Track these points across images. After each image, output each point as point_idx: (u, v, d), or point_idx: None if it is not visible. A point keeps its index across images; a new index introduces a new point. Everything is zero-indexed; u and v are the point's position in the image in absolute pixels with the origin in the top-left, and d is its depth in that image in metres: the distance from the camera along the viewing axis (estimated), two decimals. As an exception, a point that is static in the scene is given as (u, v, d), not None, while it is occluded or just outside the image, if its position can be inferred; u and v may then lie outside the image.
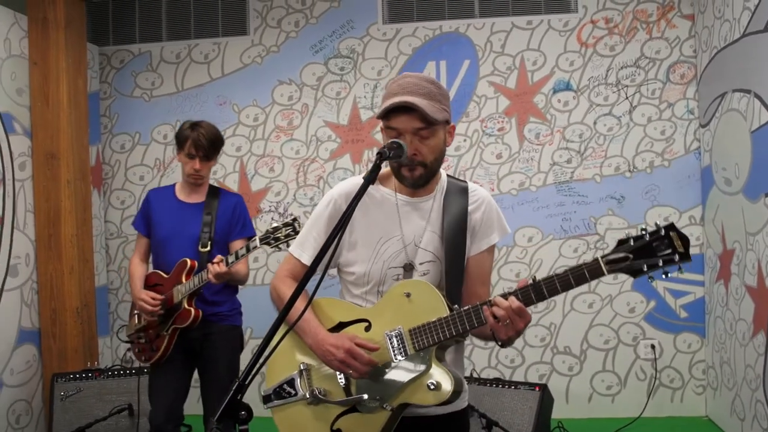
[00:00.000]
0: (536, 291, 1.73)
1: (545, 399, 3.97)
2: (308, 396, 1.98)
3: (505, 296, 1.76)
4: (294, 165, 5.00)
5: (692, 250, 4.48)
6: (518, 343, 4.74)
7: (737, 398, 4.09)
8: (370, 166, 1.81)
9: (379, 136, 4.89)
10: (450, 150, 4.75)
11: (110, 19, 5.15)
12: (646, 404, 4.60)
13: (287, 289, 2.06)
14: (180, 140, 3.30)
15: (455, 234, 1.99)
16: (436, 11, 4.86)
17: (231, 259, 3.07)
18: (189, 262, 3.23)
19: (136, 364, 4.94)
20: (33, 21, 4.41)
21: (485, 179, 4.76)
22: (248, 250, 3.04)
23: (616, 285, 4.68)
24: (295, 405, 2.02)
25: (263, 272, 5.02)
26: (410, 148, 1.88)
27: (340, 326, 2.00)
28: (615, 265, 1.66)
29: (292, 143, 5.01)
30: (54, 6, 4.40)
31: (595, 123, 4.71)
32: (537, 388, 3.95)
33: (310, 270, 1.72)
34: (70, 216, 4.42)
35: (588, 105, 4.72)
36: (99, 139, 5.07)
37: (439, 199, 2.04)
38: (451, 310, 1.84)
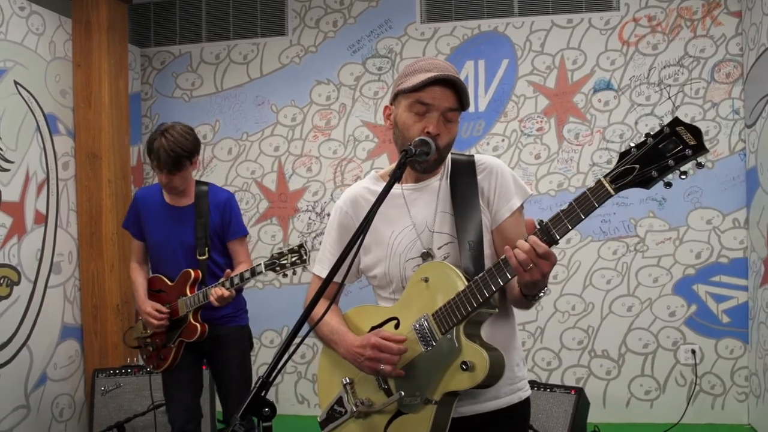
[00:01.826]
0: (546, 234, 1.61)
1: (581, 403, 3.92)
2: (354, 409, 1.92)
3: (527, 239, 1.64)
4: (331, 165, 5.02)
5: (735, 254, 4.46)
6: (555, 345, 4.69)
7: (781, 407, 3.98)
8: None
9: (415, 136, 4.86)
10: (488, 150, 4.72)
11: (151, 20, 5.24)
12: (686, 410, 4.50)
13: (318, 308, 2.01)
14: (148, 149, 3.12)
15: (467, 208, 1.90)
16: (474, 10, 4.82)
17: (236, 280, 2.99)
18: (193, 273, 3.17)
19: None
20: (77, 23, 4.51)
21: (523, 180, 4.69)
22: (253, 274, 2.96)
23: (656, 288, 4.59)
24: (347, 424, 1.97)
25: (300, 271, 5.02)
26: (434, 127, 1.81)
27: (371, 331, 1.94)
28: (621, 181, 1.50)
29: (330, 143, 5.02)
30: (97, 9, 4.49)
31: (636, 123, 4.62)
32: (573, 392, 3.89)
33: (327, 280, 1.66)
34: (111, 214, 4.50)
35: (629, 105, 4.63)
36: (140, 139, 5.16)
37: (446, 178, 1.96)
38: (468, 281, 1.75)
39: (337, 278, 2.05)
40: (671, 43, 4.57)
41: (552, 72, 4.73)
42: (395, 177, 1.73)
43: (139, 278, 3.36)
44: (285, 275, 2.87)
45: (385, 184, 1.99)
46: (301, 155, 5.05)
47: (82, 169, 4.50)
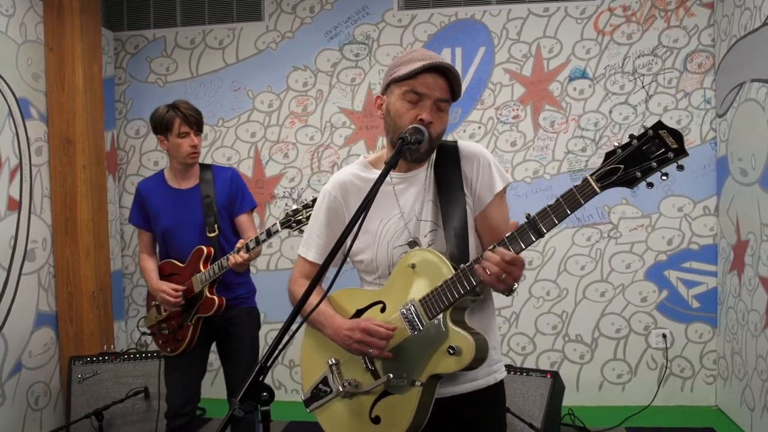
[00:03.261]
0: (533, 228, 1.67)
1: (557, 386, 4.00)
2: (341, 389, 1.98)
3: (493, 248, 1.70)
4: (308, 151, 5.01)
5: (705, 241, 4.56)
6: (530, 330, 4.77)
7: (748, 388, 4.10)
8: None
9: (393, 123, 4.88)
10: (464, 137, 4.75)
11: (125, 4, 5.15)
12: (657, 393, 4.62)
13: (300, 289, 2.07)
14: (164, 124, 3.21)
15: (451, 195, 1.94)
16: (451, -3, 4.84)
17: (252, 244, 3.04)
18: (205, 249, 3.21)
19: (152, 347, 5.02)
20: (48, 6, 4.42)
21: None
22: (269, 235, 3.01)
23: (629, 274, 4.68)
24: (333, 403, 2.03)
25: (277, 257, 5.06)
26: (427, 115, 1.85)
27: (357, 314, 2.00)
28: (606, 180, 1.57)
29: (307, 129, 5.01)
30: (69, -9, 4.41)
31: (610, 112, 4.69)
32: (549, 375, 3.97)
33: (324, 266, 1.70)
34: (86, 201, 4.45)
35: (604, 93, 4.69)
36: (114, 125, 5.09)
37: (431, 167, 2.00)
38: (456, 269, 1.80)
39: (322, 261, 2.09)
40: (645, 33, 4.64)
41: (528, 60, 4.77)
42: (391, 164, 1.77)
43: (150, 265, 3.39)
44: (301, 231, 2.84)
45: (373, 171, 2.05)
46: (278, 141, 5.04)
47: (55, 154, 4.43)
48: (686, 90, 4.60)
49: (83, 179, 4.43)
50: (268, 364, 1.55)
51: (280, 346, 1.57)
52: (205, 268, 3.19)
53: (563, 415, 4.22)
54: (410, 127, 1.83)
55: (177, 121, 3.18)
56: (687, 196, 4.61)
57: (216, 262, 3.14)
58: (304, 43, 4.98)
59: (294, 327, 1.61)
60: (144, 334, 3.65)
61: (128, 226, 5.17)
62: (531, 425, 3.73)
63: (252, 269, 4.98)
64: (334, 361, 2.02)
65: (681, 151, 1.52)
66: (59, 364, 4.47)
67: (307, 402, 2.08)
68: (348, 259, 2.11)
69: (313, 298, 2.00)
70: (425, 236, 1.97)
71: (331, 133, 4.98)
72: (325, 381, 2.04)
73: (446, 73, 1.87)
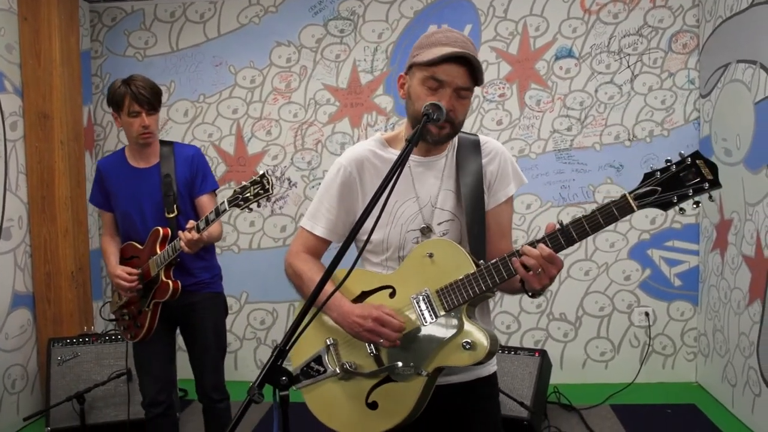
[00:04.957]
0: (565, 236, 1.67)
1: (545, 364, 4.02)
2: (338, 371, 1.92)
3: (533, 244, 1.70)
4: (292, 128, 4.93)
5: (688, 220, 4.60)
6: (514, 309, 4.79)
7: (729, 365, 4.18)
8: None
9: (379, 100, 4.83)
10: (451, 116, 4.71)
11: (102, -27, 4.98)
12: (639, 370, 4.68)
13: (302, 264, 2.02)
14: (117, 100, 3.01)
15: (472, 190, 1.94)
16: (438, -27, 4.78)
17: (201, 224, 2.87)
18: (161, 230, 3.06)
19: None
20: (22, -27, 4.25)
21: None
22: (218, 214, 2.82)
23: (612, 253, 4.72)
24: (325, 383, 1.97)
25: (259, 236, 4.98)
26: (447, 103, 1.81)
27: (363, 296, 1.94)
28: (644, 200, 1.60)
29: (290, 106, 4.92)
30: (44, -42, 4.24)
31: (596, 91, 4.69)
32: (537, 354, 3.99)
33: (346, 243, 1.64)
34: (65, 177, 4.32)
35: (590, 73, 4.69)
36: (90, 100, 4.94)
37: (452, 157, 1.98)
38: (477, 265, 1.78)
39: (329, 237, 2.05)
40: (631, 12, 4.65)
41: (515, 38, 4.75)
42: (414, 141, 1.72)
43: (110, 247, 3.24)
44: (250, 209, 2.69)
45: (390, 150, 2.02)
46: (261, 118, 4.94)
47: (31, 129, 4.27)
48: (671, 70, 4.63)
49: (61, 155, 4.29)
50: (288, 348, 1.49)
51: (298, 330, 1.51)
52: (161, 250, 3.03)
53: (549, 393, 4.25)
54: (429, 104, 1.79)
55: (127, 98, 2.98)
56: (670, 175, 4.64)
57: (170, 244, 2.98)
58: (287, 18, 4.88)
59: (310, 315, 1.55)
60: (108, 320, 3.52)
61: (105, 205, 5.04)
62: (522, 404, 3.74)
63: (234, 248, 4.95)
64: (332, 341, 1.97)
65: (715, 183, 1.55)
66: (37, 346, 4.35)
67: (294, 379, 2.03)
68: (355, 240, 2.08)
69: (317, 277, 1.96)
70: (439, 224, 1.95)
71: (315, 111, 4.90)
72: (318, 360, 1.98)
73: (468, 61, 1.83)
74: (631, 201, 1.60)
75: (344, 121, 4.88)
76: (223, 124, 4.96)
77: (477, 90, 4.67)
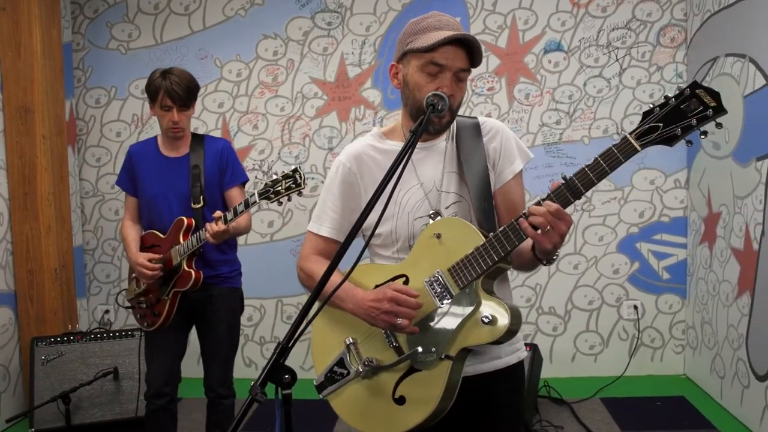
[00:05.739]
0: (571, 189, 1.63)
1: (536, 358, 4.02)
2: (360, 369, 1.87)
3: (539, 204, 1.65)
4: (279, 122, 4.86)
5: (676, 213, 4.62)
6: (504, 304, 4.77)
7: (718, 357, 4.20)
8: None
9: (367, 94, 4.78)
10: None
11: (83, -36, 4.88)
12: (628, 363, 4.70)
13: (314, 265, 1.99)
14: (151, 92, 3.07)
15: (476, 168, 1.90)
16: (426, -34, 4.73)
17: (229, 216, 2.89)
18: (186, 220, 3.07)
19: (116, 326, 4.85)
20: (1, -36, 4.14)
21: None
22: (247, 206, 2.85)
23: (601, 246, 4.73)
24: (349, 386, 1.91)
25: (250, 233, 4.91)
26: (449, 88, 1.79)
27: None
28: (646, 138, 1.55)
29: (277, 100, 4.86)
30: (23, -53, 4.13)
31: (585, 84, 4.69)
32: (528, 348, 3.98)
33: (346, 242, 1.60)
34: (47, 173, 4.22)
35: (578, 66, 4.69)
36: (72, 94, 4.83)
37: (452, 139, 1.95)
38: (485, 237, 1.73)
39: (336, 237, 2.01)
40: (620, 6, 4.64)
41: (504, 32, 4.73)
42: (418, 132, 1.69)
43: (131, 234, 3.24)
44: (280, 203, 2.74)
45: (388, 142, 1.99)
46: (247, 112, 4.87)
47: (12, 123, 4.17)
48: (659, 64, 4.64)
49: (43, 150, 4.20)
50: (290, 345, 1.45)
51: (301, 327, 1.47)
52: (184, 240, 3.04)
53: (540, 387, 4.25)
54: (431, 94, 1.76)
55: (161, 92, 3.01)
56: (658, 168, 4.66)
57: (195, 234, 3.00)
58: (274, 11, 4.81)
59: (314, 310, 1.52)
60: (124, 307, 3.48)
61: (89, 200, 4.95)
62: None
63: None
64: (351, 340, 1.91)
65: (720, 109, 1.49)
66: (19, 345, 4.25)
67: (320, 387, 1.96)
68: (362, 235, 2.03)
69: (333, 278, 1.92)
70: (447, 208, 1.90)
71: (303, 104, 4.84)
72: (341, 362, 1.92)
73: (466, 43, 1.80)
74: (632, 141, 1.55)
75: (332, 114, 4.83)
76: (208, 118, 4.88)
77: (466, 83, 4.68)
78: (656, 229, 4.71)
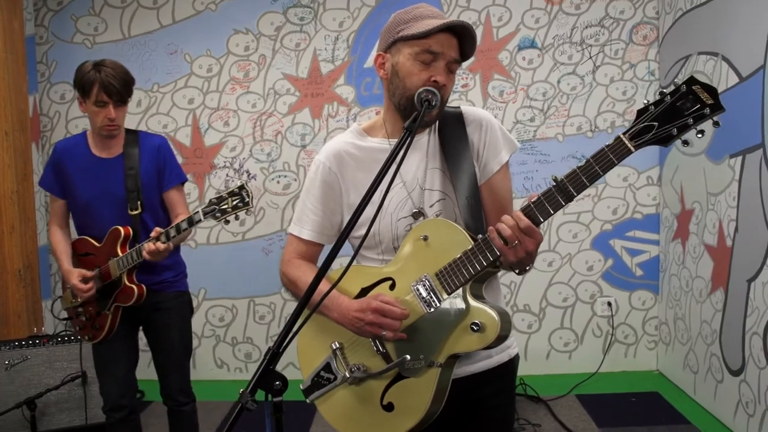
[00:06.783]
0: (562, 191, 1.55)
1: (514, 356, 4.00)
2: (347, 375, 1.81)
3: (526, 209, 1.59)
4: (250, 119, 4.77)
5: (648, 210, 4.65)
6: (480, 301, 4.75)
7: (691, 352, 4.24)
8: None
9: (340, 90, 4.72)
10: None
11: (47, -46, 4.73)
12: (603, 360, 4.72)
13: (295, 270, 1.93)
14: (84, 86, 2.78)
15: (461, 163, 1.82)
16: (399, -39, 4.69)
17: (172, 232, 2.70)
18: (122, 230, 2.87)
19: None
20: (-39, -47, 3.99)
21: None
22: (190, 224, 2.67)
23: (575, 244, 4.73)
24: (337, 391, 1.86)
25: (217, 231, 4.82)
26: (442, 77, 1.73)
27: (362, 293, 1.83)
28: (641, 138, 1.48)
29: (249, 96, 4.77)
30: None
31: (558, 82, 4.69)
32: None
33: (336, 246, 1.53)
34: (10, 171, 4.08)
35: (552, 63, 4.69)
36: (36, 88, 4.68)
37: (434, 133, 1.89)
38: (474, 240, 1.67)
39: (318, 239, 1.95)
40: (593, 3, 4.65)
41: (478, 28, 4.70)
42: (413, 129, 1.62)
43: (61, 244, 3.02)
44: (227, 222, 2.59)
45: (369, 139, 1.93)
46: (218, 108, 4.77)
47: (-28, 119, 4.03)
48: (632, 61, 4.66)
49: (5, 147, 4.05)
50: (280, 350, 1.39)
51: (291, 334, 1.41)
52: (123, 252, 2.85)
53: (516, 385, 4.23)
54: (423, 89, 1.71)
55: (96, 86, 2.75)
56: (632, 166, 4.69)
57: (135, 248, 2.80)
58: (245, 5, 4.72)
59: (300, 318, 1.46)
60: (62, 319, 3.30)
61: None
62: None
63: (191, 243, 4.77)
64: (338, 345, 1.86)
65: (717, 107, 1.44)
66: (-19, 349, 4.09)
67: (307, 391, 1.90)
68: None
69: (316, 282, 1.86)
70: (431, 206, 1.85)
71: (275, 101, 4.76)
72: (327, 367, 1.87)
73: (460, 34, 1.75)
74: (626, 142, 1.48)
75: (305, 111, 4.76)
76: (178, 115, 4.77)
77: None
78: (629, 226, 4.73)
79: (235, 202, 2.56)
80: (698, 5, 4.08)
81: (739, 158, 3.63)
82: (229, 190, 2.58)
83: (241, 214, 2.59)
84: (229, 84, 4.77)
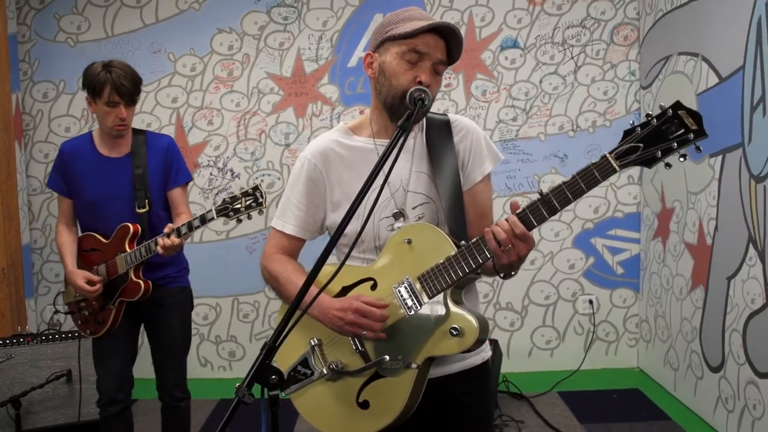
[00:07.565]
0: (546, 205, 1.60)
1: (497, 353, 4.04)
2: (325, 372, 1.84)
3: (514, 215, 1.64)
4: (234, 118, 4.78)
5: (629, 209, 4.70)
6: (463, 299, 4.79)
7: (671, 350, 4.29)
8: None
9: (324, 90, 4.74)
10: (399, 106, 4.66)
11: (28, -48, 4.71)
12: (584, 357, 4.77)
13: (277, 265, 1.95)
14: (95, 87, 2.83)
15: (447, 170, 1.86)
16: (383, -39, 4.71)
17: (183, 230, 2.73)
18: (131, 227, 2.91)
19: (66, 327, 4.69)
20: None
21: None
22: (203, 222, 2.71)
23: (557, 242, 4.78)
24: (314, 386, 1.89)
25: (201, 229, 4.80)
26: (426, 77, 1.76)
27: (343, 291, 1.86)
28: (626, 159, 1.51)
29: (232, 95, 4.78)
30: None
31: (540, 82, 4.73)
32: (488, 343, 3.99)
33: (329, 246, 1.55)
34: (-8, 170, 4.07)
35: (534, 63, 4.73)
36: (18, 87, 4.66)
37: (421, 137, 1.91)
38: (458, 246, 1.70)
39: (301, 234, 1.97)
40: (575, 4, 4.70)
41: (461, 28, 4.71)
42: (407, 128, 1.64)
43: (67, 243, 3.05)
44: (239, 221, 2.65)
45: (356, 138, 1.95)
46: (202, 107, 4.78)
47: (-45, 118, 4.01)
48: (613, 62, 4.71)
49: (-12, 146, 4.04)
50: (277, 345, 1.42)
51: (287, 329, 1.44)
52: (131, 248, 2.90)
53: (499, 383, 4.28)
54: (415, 89, 1.73)
55: (107, 87, 2.80)
56: (613, 165, 4.72)
57: (144, 244, 2.84)
58: (229, 4, 4.72)
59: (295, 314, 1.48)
60: (61, 312, 3.32)
61: (36, 197, 4.78)
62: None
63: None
64: (316, 341, 1.89)
65: (701, 133, 1.46)
66: (-36, 348, 4.08)
67: (283, 385, 1.91)
68: (327, 232, 2.01)
69: (297, 278, 1.88)
70: (414, 208, 1.87)
71: (259, 100, 4.77)
72: (305, 362, 1.90)
73: (447, 36, 1.78)
74: (612, 161, 1.52)
75: (288, 110, 4.77)
76: (162, 114, 4.77)
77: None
78: (610, 225, 4.79)
79: (248, 202, 2.63)
80: (679, 6, 4.13)
81: (719, 158, 3.68)
82: (243, 190, 2.64)
83: (254, 213, 2.64)
84: (212, 83, 4.77)
